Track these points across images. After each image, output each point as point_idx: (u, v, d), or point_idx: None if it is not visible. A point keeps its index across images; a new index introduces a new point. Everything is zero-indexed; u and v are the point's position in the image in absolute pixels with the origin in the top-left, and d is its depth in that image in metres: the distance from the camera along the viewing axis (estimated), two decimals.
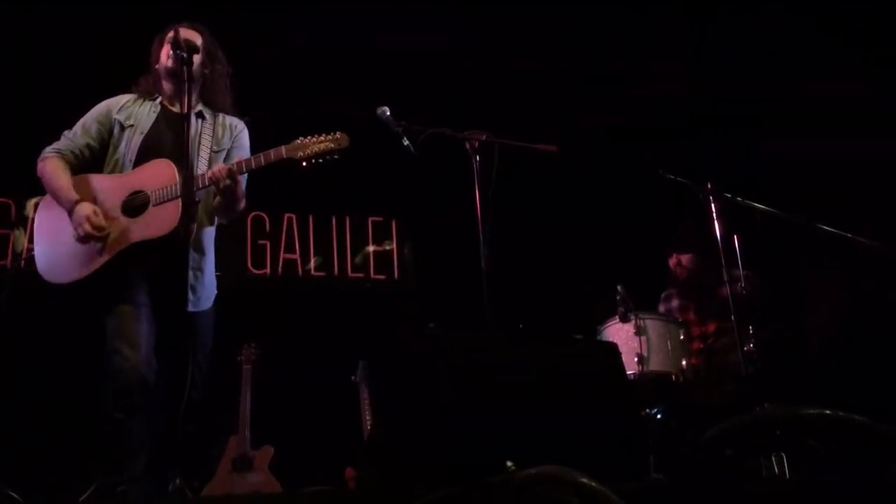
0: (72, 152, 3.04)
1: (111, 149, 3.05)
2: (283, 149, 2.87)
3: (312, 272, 5.69)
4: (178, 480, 2.45)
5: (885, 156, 4.90)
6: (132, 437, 2.76)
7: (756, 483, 2.77)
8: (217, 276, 3.15)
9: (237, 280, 5.39)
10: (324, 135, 2.88)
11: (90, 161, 3.05)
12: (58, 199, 2.95)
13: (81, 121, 3.10)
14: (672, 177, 3.88)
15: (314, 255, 5.72)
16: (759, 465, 3.15)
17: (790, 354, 4.63)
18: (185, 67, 2.77)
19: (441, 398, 2.41)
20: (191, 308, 2.93)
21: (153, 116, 3.07)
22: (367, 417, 4.85)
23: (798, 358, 5.13)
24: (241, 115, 3.24)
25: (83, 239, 2.84)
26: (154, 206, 2.85)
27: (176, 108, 3.08)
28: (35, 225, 3.04)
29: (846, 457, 2.00)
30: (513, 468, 2.14)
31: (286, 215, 5.73)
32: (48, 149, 3.05)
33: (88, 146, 3.06)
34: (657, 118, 5.53)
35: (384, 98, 3.42)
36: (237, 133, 3.20)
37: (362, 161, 5.38)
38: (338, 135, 2.88)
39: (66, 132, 3.09)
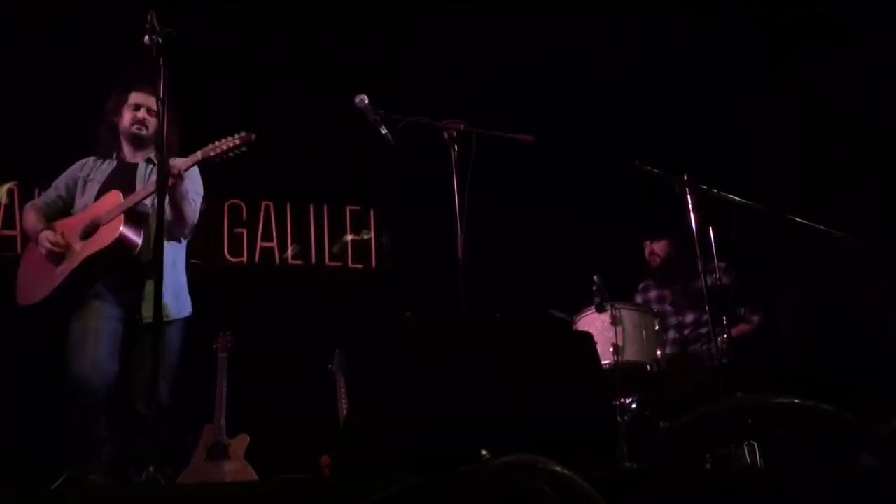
0: (44, 202, 3.58)
1: (76, 199, 3.50)
2: (198, 152, 3.26)
3: (290, 261, 5.66)
4: (151, 468, 2.45)
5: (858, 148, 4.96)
6: (92, 435, 3.07)
7: (728, 471, 2.81)
8: (194, 263, 3.22)
9: (214, 268, 5.35)
10: (229, 136, 3.23)
11: (62, 209, 3.55)
12: (29, 235, 3.47)
13: (55, 182, 3.61)
14: (648, 168, 3.90)
15: (291, 244, 5.69)
16: (730, 454, 3.19)
17: (762, 345, 4.68)
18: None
19: (416, 387, 2.42)
20: (148, 320, 3.08)
21: (109, 170, 3.50)
22: (344, 406, 4.85)
23: (770, 348, 5.20)
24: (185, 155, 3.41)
25: (48, 256, 3.30)
26: (102, 225, 3.24)
27: (130, 160, 3.52)
28: (20, 268, 3.50)
29: (816, 446, 2.03)
30: (487, 457, 2.15)
31: (264, 203, 5.68)
32: (26, 204, 3.64)
33: (60, 197, 3.58)
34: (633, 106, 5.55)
35: (363, 86, 3.42)
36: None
37: (340, 149, 5.42)
38: (242, 133, 3.23)
39: (48, 190, 3.62)
